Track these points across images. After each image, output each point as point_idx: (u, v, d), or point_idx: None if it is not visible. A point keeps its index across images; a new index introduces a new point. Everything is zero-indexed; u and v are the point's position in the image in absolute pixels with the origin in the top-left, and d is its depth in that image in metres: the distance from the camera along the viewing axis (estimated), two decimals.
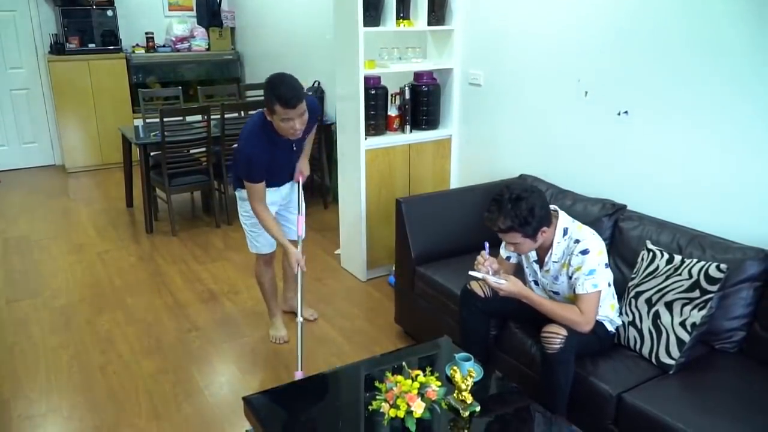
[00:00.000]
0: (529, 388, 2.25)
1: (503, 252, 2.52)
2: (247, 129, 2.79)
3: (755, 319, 2.25)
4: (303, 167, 3.05)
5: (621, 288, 2.44)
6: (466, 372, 1.96)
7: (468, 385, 1.92)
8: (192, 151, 4.76)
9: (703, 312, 2.15)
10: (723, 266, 2.14)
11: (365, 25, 3.46)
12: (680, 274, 2.23)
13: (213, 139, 4.66)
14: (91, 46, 6.37)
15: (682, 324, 2.18)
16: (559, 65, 3.16)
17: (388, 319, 3.42)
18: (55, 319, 3.49)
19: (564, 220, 2.30)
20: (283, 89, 2.52)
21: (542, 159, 3.34)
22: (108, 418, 2.65)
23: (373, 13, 3.55)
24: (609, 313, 2.34)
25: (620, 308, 2.40)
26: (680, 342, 2.17)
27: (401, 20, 3.67)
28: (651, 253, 2.36)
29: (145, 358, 3.11)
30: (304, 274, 2.93)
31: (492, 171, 3.62)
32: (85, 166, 6.64)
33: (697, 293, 2.17)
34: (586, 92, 3.03)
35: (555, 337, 2.14)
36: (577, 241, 2.23)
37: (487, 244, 2.33)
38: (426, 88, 3.84)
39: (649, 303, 2.30)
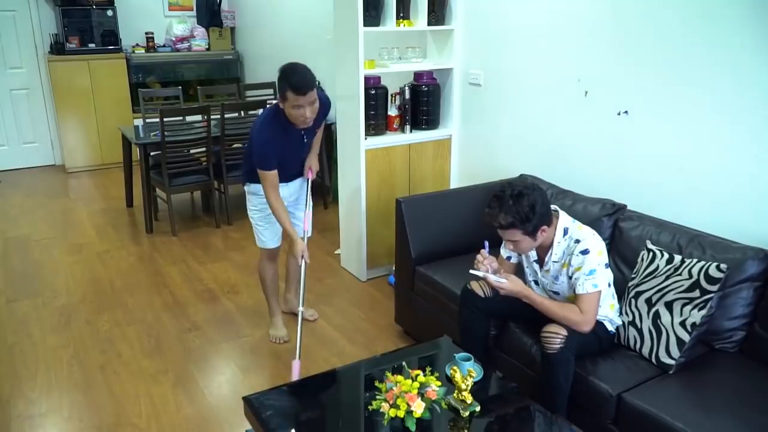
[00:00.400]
0: (529, 388, 2.26)
1: (503, 252, 2.52)
2: (260, 119, 2.90)
3: (755, 319, 2.25)
4: (312, 163, 3.11)
5: (621, 288, 2.44)
6: (466, 372, 1.96)
7: (468, 385, 1.92)
8: (192, 151, 4.76)
9: (703, 312, 2.15)
10: (723, 266, 2.14)
11: (365, 25, 3.46)
12: (680, 274, 2.23)
13: (213, 139, 4.66)
14: (91, 46, 6.37)
15: (682, 324, 2.18)
16: (559, 65, 3.16)
17: (388, 319, 3.42)
18: (55, 319, 3.49)
19: (564, 220, 2.30)
20: (294, 77, 2.61)
21: (542, 159, 3.34)
22: (108, 418, 2.65)
23: (373, 13, 3.56)
24: (609, 313, 2.34)
25: (620, 308, 2.40)
26: (680, 342, 2.17)
27: (401, 20, 3.67)
28: (651, 253, 2.36)
29: (145, 358, 3.11)
30: (307, 267, 2.97)
31: (492, 171, 3.62)
32: (85, 166, 6.64)
33: (697, 293, 2.17)
34: (586, 92, 3.03)
35: (555, 337, 2.14)
36: (577, 241, 2.23)
37: (487, 243, 2.33)
38: (426, 88, 3.84)
39: (649, 303, 2.30)
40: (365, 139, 3.67)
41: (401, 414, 1.81)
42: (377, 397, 1.89)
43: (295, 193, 3.12)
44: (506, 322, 2.54)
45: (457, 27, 3.78)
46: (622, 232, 2.64)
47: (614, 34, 2.84)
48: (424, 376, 1.93)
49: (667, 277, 2.26)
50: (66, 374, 2.97)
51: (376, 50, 3.82)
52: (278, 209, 2.86)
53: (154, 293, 3.81)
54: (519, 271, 2.51)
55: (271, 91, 5.85)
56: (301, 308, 2.88)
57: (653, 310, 2.28)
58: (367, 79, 3.61)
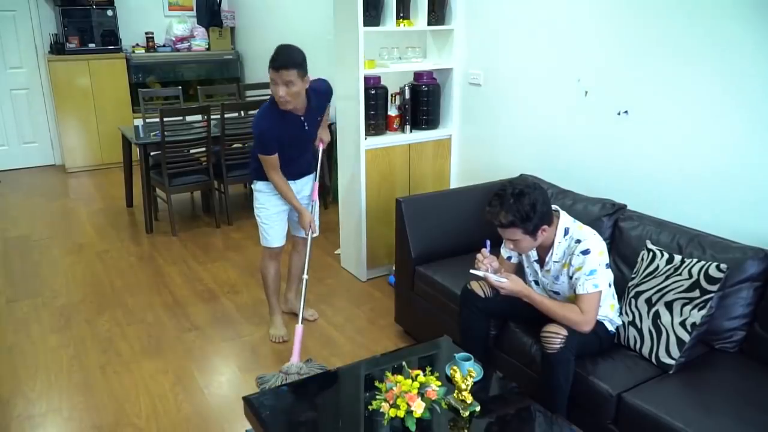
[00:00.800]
0: (529, 388, 2.26)
1: (504, 252, 2.52)
2: (262, 107, 2.95)
3: (755, 319, 2.25)
4: (323, 135, 3.19)
5: (621, 288, 2.44)
6: (466, 372, 1.96)
7: (468, 385, 1.92)
8: (192, 151, 4.76)
9: (703, 312, 2.15)
10: (723, 266, 2.14)
11: (365, 25, 3.47)
12: (680, 274, 2.23)
13: (213, 139, 4.66)
14: (91, 45, 6.37)
15: (682, 324, 2.18)
16: (559, 65, 3.16)
17: (388, 319, 3.42)
18: (55, 319, 3.49)
19: (565, 220, 2.30)
20: (275, 53, 2.70)
21: (542, 158, 3.34)
22: (108, 418, 2.65)
23: (373, 13, 3.56)
24: (609, 313, 2.34)
25: (620, 308, 2.40)
26: (680, 342, 2.17)
27: (401, 20, 3.67)
28: (651, 253, 2.36)
29: (145, 358, 3.11)
30: (294, 256, 3.21)
31: (492, 171, 3.62)
32: (85, 166, 6.64)
33: (697, 293, 2.17)
34: (586, 92, 3.03)
35: (555, 337, 2.14)
36: (578, 241, 2.23)
37: (488, 242, 2.33)
38: (426, 88, 3.84)
39: (649, 303, 2.30)
40: (365, 139, 3.67)
41: (401, 414, 1.81)
42: (377, 397, 1.89)
43: (300, 192, 3.12)
44: (506, 322, 2.54)
45: (457, 27, 3.78)
46: (622, 232, 2.64)
47: (614, 34, 2.85)
48: (424, 376, 1.93)
49: (667, 277, 2.26)
50: (66, 374, 2.97)
51: (376, 50, 3.82)
52: (281, 186, 2.94)
53: (154, 293, 3.81)
54: (519, 271, 2.51)
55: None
56: (305, 276, 3.06)
57: (653, 310, 2.28)
58: (367, 79, 3.61)
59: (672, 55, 2.61)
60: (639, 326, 2.31)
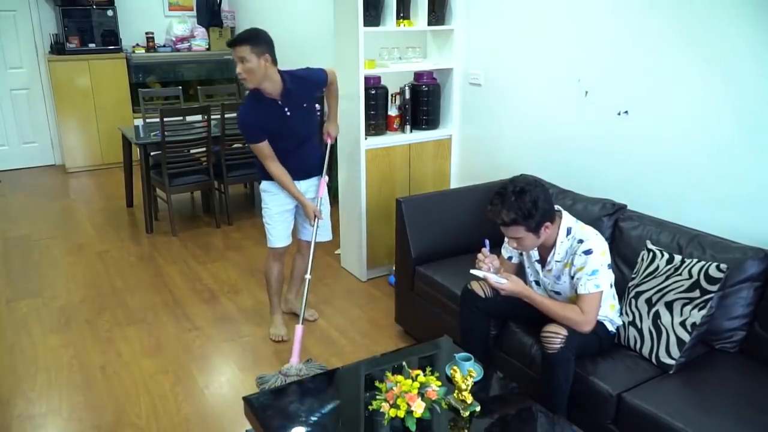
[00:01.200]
0: (529, 388, 2.26)
1: (504, 252, 2.52)
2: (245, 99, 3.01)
3: (755, 319, 2.25)
4: (331, 129, 3.22)
5: (621, 288, 2.44)
6: (466, 372, 1.96)
7: (468, 385, 1.92)
8: (192, 151, 4.76)
9: (703, 312, 2.15)
10: (723, 266, 2.14)
11: (365, 25, 3.47)
12: (680, 274, 2.23)
13: (213, 139, 4.66)
14: (92, 46, 6.37)
15: (682, 324, 2.18)
16: (559, 65, 3.16)
17: (388, 319, 3.42)
18: (55, 319, 3.49)
19: (567, 219, 2.30)
20: (239, 32, 2.80)
21: (542, 159, 3.34)
22: (108, 418, 2.65)
23: (373, 13, 3.56)
24: (609, 313, 2.34)
25: (620, 308, 2.40)
26: (680, 342, 2.17)
27: (401, 20, 3.67)
28: (651, 253, 2.36)
29: (145, 358, 3.11)
30: (298, 257, 3.20)
31: (492, 171, 3.62)
32: (85, 166, 6.64)
33: (697, 293, 2.17)
34: (586, 92, 3.03)
35: (555, 337, 2.14)
36: (580, 241, 2.23)
37: (487, 242, 2.33)
38: (426, 88, 3.84)
39: (649, 303, 2.30)
40: (365, 139, 3.67)
41: (401, 414, 1.81)
42: (377, 397, 1.89)
43: (307, 194, 3.10)
44: (506, 322, 2.54)
45: (457, 27, 3.78)
46: (622, 232, 2.64)
47: (614, 34, 2.85)
48: (425, 376, 1.93)
49: (667, 277, 2.26)
50: (66, 374, 2.97)
51: (376, 50, 3.82)
52: (279, 174, 2.96)
53: (154, 293, 3.81)
54: (520, 271, 2.51)
55: None
56: (308, 276, 3.06)
57: (653, 310, 2.28)
58: (367, 79, 3.61)
59: (672, 55, 2.61)
60: (639, 326, 2.31)
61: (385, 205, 3.80)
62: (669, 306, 2.24)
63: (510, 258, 2.51)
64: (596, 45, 2.94)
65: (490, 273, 2.27)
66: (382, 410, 1.84)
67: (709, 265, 2.17)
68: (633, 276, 2.42)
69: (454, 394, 1.96)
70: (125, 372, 2.98)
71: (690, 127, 2.59)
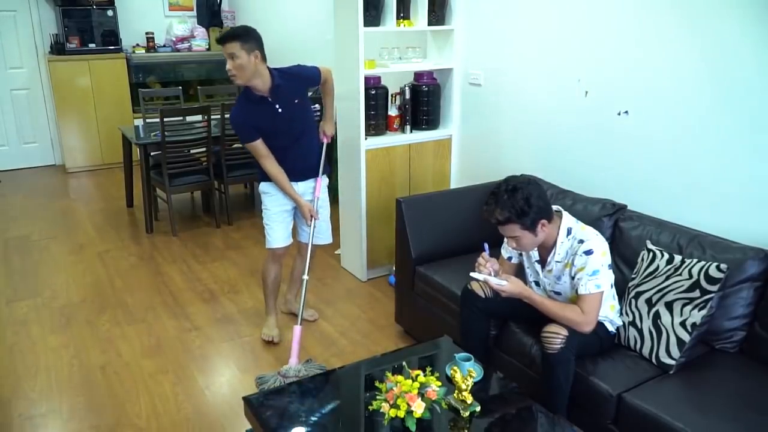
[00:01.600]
0: (530, 388, 2.26)
1: (504, 253, 2.52)
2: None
3: (755, 319, 2.25)
4: (326, 128, 3.19)
5: (621, 288, 2.44)
6: (466, 372, 1.96)
7: (468, 385, 1.92)
8: (192, 151, 4.76)
9: (703, 312, 2.15)
10: (723, 266, 2.14)
11: (365, 25, 3.46)
12: (680, 274, 2.23)
13: (213, 139, 4.66)
14: (92, 46, 6.37)
15: (683, 324, 2.18)
16: (559, 65, 3.16)
17: (388, 319, 3.42)
18: (55, 319, 3.49)
19: (567, 220, 2.30)
20: (226, 31, 2.79)
21: (542, 159, 3.34)
22: (108, 418, 2.65)
23: (373, 13, 3.56)
24: (609, 313, 2.34)
25: (620, 309, 2.40)
26: (680, 342, 2.17)
27: (401, 20, 3.67)
28: (651, 253, 2.36)
29: (145, 358, 3.11)
30: (298, 258, 3.19)
31: (492, 171, 3.62)
32: (85, 166, 6.64)
33: (697, 293, 2.17)
34: (586, 92, 3.03)
35: (555, 337, 2.14)
36: (581, 242, 2.23)
37: (486, 245, 2.32)
38: (426, 88, 3.84)
39: (650, 303, 2.30)
40: (365, 139, 3.67)
41: (401, 414, 1.81)
42: (377, 397, 1.89)
43: (304, 196, 3.09)
44: (506, 322, 2.54)
45: (457, 27, 3.78)
46: (622, 232, 2.64)
47: (614, 34, 2.84)
48: (425, 376, 1.93)
49: (668, 278, 2.26)
50: (66, 374, 2.97)
51: (376, 50, 3.82)
52: (276, 173, 2.96)
53: (154, 293, 3.81)
54: (520, 271, 2.51)
55: None
56: (305, 276, 3.06)
57: (653, 310, 2.28)
58: (367, 79, 3.61)
59: (672, 55, 2.61)
60: (639, 326, 2.31)
61: (385, 205, 3.80)
62: (669, 306, 2.24)
63: (510, 258, 2.50)
64: (596, 45, 2.94)
65: (489, 275, 2.27)
66: (382, 410, 1.84)
67: (709, 265, 2.17)
68: (633, 276, 2.42)
69: (454, 394, 1.96)
70: (125, 372, 2.99)
71: (690, 127, 2.58)
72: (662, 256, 2.32)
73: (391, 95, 3.83)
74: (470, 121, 3.88)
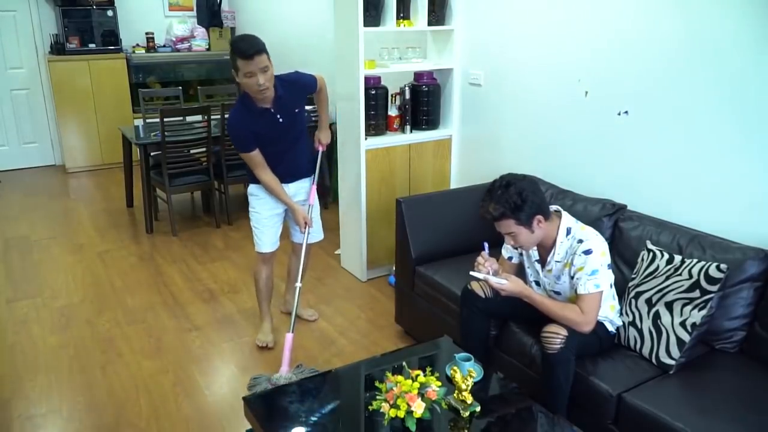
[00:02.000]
0: (530, 388, 2.26)
1: (505, 253, 2.52)
2: (232, 107, 2.94)
3: (755, 319, 2.25)
4: (321, 136, 3.17)
5: (621, 288, 2.44)
6: (466, 372, 1.96)
7: (468, 385, 1.92)
8: (192, 151, 4.76)
9: (703, 312, 2.15)
10: (723, 266, 2.14)
11: (365, 25, 3.46)
12: (680, 275, 2.23)
13: (213, 139, 4.67)
14: (92, 46, 6.38)
15: (683, 324, 2.18)
16: (559, 65, 3.16)
17: (388, 319, 3.42)
18: (55, 319, 3.49)
19: (567, 220, 2.30)
20: (242, 44, 2.61)
21: (542, 159, 3.34)
22: (108, 418, 2.65)
23: (373, 13, 3.56)
24: (609, 313, 2.34)
25: (620, 309, 2.40)
26: (680, 342, 2.17)
27: (401, 20, 3.67)
28: (651, 253, 2.36)
29: (145, 358, 3.11)
30: (309, 234, 3.08)
31: (492, 171, 3.59)
32: (85, 166, 6.64)
33: (697, 293, 2.17)
34: (586, 92, 3.03)
35: (555, 337, 2.14)
36: (580, 241, 2.23)
37: (486, 245, 2.32)
38: (426, 88, 3.84)
39: (649, 303, 2.30)
40: (365, 139, 3.67)
41: (401, 414, 1.81)
42: (377, 397, 1.89)
43: (297, 196, 3.08)
44: (506, 322, 2.54)
45: (457, 27, 3.78)
46: (622, 232, 2.64)
47: (614, 34, 2.84)
48: (425, 376, 1.93)
49: (667, 278, 2.26)
50: (66, 374, 2.97)
51: (376, 50, 3.82)
52: (269, 181, 2.91)
53: (154, 293, 3.81)
54: (520, 271, 2.51)
55: None
56: (298, 284, 3.00)
57: (653, 310, 2.28)
58: (367, 79, 3.61)
59: (672, 55, 2.61)
60: (639, 326, 2.31)
61: (385, 205, 3.80)
62: (669, 306, 2.24)
63: (510, 258, 2.51)
64: (596, 45, 2.94)
65: (489, 275, 2.27)
66: (382, 410, 1.84)
67: (709, 265, 2.17)
68: (633, 276, 2.42)
69: (454, 394, 1.96)
70: (125, 372, 2.99)
71: (690, 126, 2.58)
72: (662, 256, 2.32)
73: (391, 95, 3.83)
74: (470, 121, 3.88)
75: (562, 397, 2.19)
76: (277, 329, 3.33)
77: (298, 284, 3.02)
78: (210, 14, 7.08)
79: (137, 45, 6.81)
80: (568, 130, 3.18)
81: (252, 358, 3.10)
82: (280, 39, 6.13)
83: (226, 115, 4.68)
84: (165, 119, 4.45)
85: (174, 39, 6.91)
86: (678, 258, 2.27)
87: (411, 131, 3.90)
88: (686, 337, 2.16)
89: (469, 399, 1.93)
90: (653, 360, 2.24)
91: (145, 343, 3.24)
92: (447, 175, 4.09)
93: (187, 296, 3.76)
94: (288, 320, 3.39)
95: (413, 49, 3.92)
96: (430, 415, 1.85)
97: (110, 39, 6.45)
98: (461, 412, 1.93)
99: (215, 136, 4.68)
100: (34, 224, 5.02)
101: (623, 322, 2.37)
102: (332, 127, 5.14)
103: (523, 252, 2.45)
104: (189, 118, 4.84)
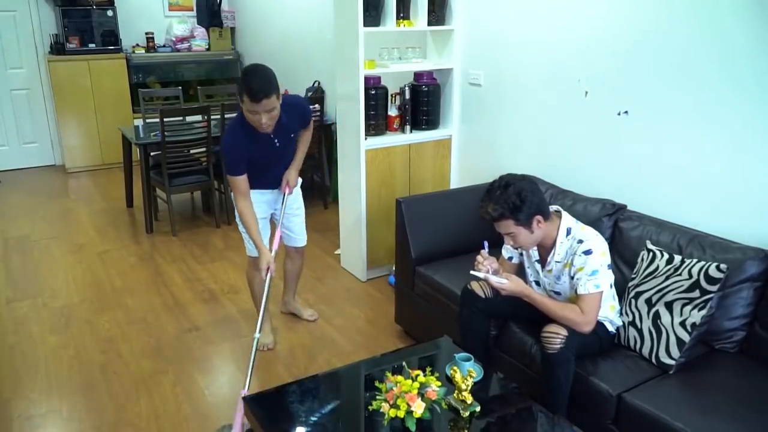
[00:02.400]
0: (529, 388, 2.26)
1: (505, 253, 2.52)
2: (230, 123, 2.86)
3: (755, 319, 2.25)
4: (290, 178, 2.99)
5: (621, 288, 2.44)
6: (466, 372, 1.96)
7: (468, 385, 1.92)
8: (192, 151, 4.76)
9: (703, 312, 2.15)
10: (723, 266, 2.14)
11: (365, 25, 3.46)
12: (680, 274, 2.23)
13: (213, 139, 4.66)
14: (92, 46, 6.38)
15: (682, 324, 2.18)
16: (559, 65, 3.16)
17: (388, 319, 3.42)
18: (55, 319, 3.49)
19: (567, 220, 2.30)
20: (253, 82, 2.52)
21: (542, 159, 3.34)
22: (108, 418, 2.65)
23: (373, 13, 3.56)
24: (609, 314, 2.34)
25: (620, 309, 2.40)
26: (680, 342, 2.17)
27: (401, 20, 3.67)
28: (651, 253, 2.36)
29: (145, 358, 3.10)
30: (271, 282, 2.81)
31: (492, 171, 3.59)
32: (85, 166, 6.64)
33: (697, 293, 2.17)
34: (586, 92, 3.03)
35: (555, 337, 2.14)
36: (580, 242, 2.23)
37: (486, 243, 2.32)
38: (426, 88, 3.84)
39: (649, 303, 2.30)
40: (365, 139, 3.67)
41: (401, 414, 1.81)
42: (377, 397, 1.89)
43: (277, 202, 3.04)
44: (507, 322, 2.54)
45: (457, 27, 3.78)
46: (622, 232, 2.64)
47: (614, 34, 2.84)
48: (424, 376, 1.93)
49: (667, 278, 2.26)
50: (66, 374, 2.97)
51: (376, 50, 3.82)
52: (247, 218, 2.79)
53: (154, 293, 3.81)
54: (520, 272, 2.51)
55: None
56: (257, 335, 2.61)
57: (653, 310, 2.28)
58: (367, 79, 3.61)
59: (672, 55, 2.61)
60: (639, 326, 2.31)
61: (385, 205, 3.80)
62: (669, 306, 2.24)
63: (510, 258, 2.51)
64: (596, 45, 2.94)
65: (489, 274, 2.27)
66: (382, 410, 1.84)
67: (709, 265, 2.17)
68: (633, 276, 2.42)
69: (454, 394, 1.96)
70: (125, 372, 2.98)
71: (690, 126, 2.58)
72: (662, 256, 2.32)
73: (391, 95, 3.83)
74: (470, 121, 3.88)
75: (562, 397, 2.19)
76: (277, 330, 3.33)
77: (257, 335, 2.61)
78: (210, 14, 7.09)
79: (137, 45, 6.81)
80: (568, 130, 3.18)
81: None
82: (280, 39, 6.14)
83: (227, 115, 4.70)
84: (165, 119, 4.45)
85: (174, 39, 6.92)
86: (678, 258, 2.27)
87: (411, 131, 3.90)
88: (686, 337, 2.16)
89: (469, 399, 1.93)
90: (653, 360, 2.24)
91: (145, 343, 3.24)
92: (447, 175, 4.09)
93: (187, 296, 3.76)
94: (288, 320, 3.39)
95: (413, 49, 3.92)
96: (430, 415, 1.85)
97: (110, 39, 6.45)
98: (461, 412, 1.93)
99: (215, 136, 4.67)
100: (34, 224, 5.02)
101: (623, 322, 2.37)
102: (332, 127, 5.18)
103: (523, 252, 2.45)
104: (189, 118, 4.84)
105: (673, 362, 2.18)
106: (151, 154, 4.78)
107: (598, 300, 2.19)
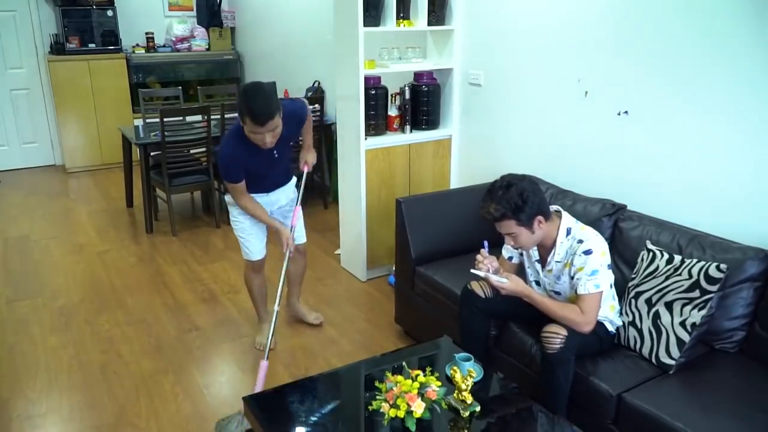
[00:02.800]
0: (529, 388, 2.26)
1: (505, 253, 2.52)
2: (228, 132, 2.84)
3: (755, 319, 2.25)
4: (307, 157, 3.07)
5: (621, 288, 2.44)
6: (466, 372, 1.96)
7: (468, 385, 1.92)
8: (192, 151, 4.76)
9: (703, 312, 2.15)
10: (723, 266, 2.14)
11: (365, 25, 3.46)
12: (680, 274, 2.23)
13: (213, 139, 4.66)
14: (91, 46, 6.38)
15: (682, 324, 2.18)
16: (559, 65, 3.16)
17: (388, 319, 3.42)
18: (55, 319, 3.49)
19: (567, 220, 2.30)
20: (255, 105, 2.48)
21: (542, 159, 3.34)
22: (108, 418, 2.65)
23: (373, 13, 3.56)
24: (609, 314, 2.34)
25: (620, 309, 2.39)
26: (680, 342, 2.17)
27: (401, 20, 3.67)
28: (651, 253, 2.36)
29: (145, 358, 3.10)
30: (290, 258, 2.96)
31: (492, 171, 3.59)
32: (85, 166, 6.64)
33: (697, 293, 2.17)
34: (586, 92, 3.03)
35: (555, 337, 2.14)
36: (580, 241, 2.23)
37: (486, 243, 2.33)
38: (426, 88, 3.84)
39: (649, 303, 2.30)
40: (365, 139, 3.67)
41: (401, 414, 1.81)
42: (377, 397, 1.89)
43: (279, 202, 3.04)
44: (506, 322, 2.54)
45: (457, 27, 3.78)
46: (622, 232, 2.64)
47: (614, 34, 2.84)
48: (424, 376, 1.93)
49: (667, 278, 2.26)
50: (66, 374, 2.97)
51: (376, 50, 3.82)
52: (252, 208, 2.86)
53: (154, 293, 3.81)
54: (520, 271, 2.51)
55: None
56: (276, 307, 2.82)
57: (653, 310, 2.28)
58: (367, 79, 3.61)
59: (672, 55, 2.61)
60: (639, 326, 2.31)
61: (385, 205, 3.80)
62: (669, 306, 2.24)
63: (510, 258, 2.51)
64: (596, 45, 2.94)
65: (490, 273, 2.27)
66: (382, 410, 1.84)
67: (709, 265, 2.17)
68: (633, 276, 2.42)
69: (454, 394, 1.96)
70: (125, 372, 2.98)
71: (690, 126, 2.58)
72: (662, 256, 2.32)
73: (391, 95, 3.83)
74: (470, 121, 3.88)
75: (562, 397, 2.19)
76: (276, 330, 3.32)
77: (276, 307, 2.80)
78: (210, 14, 7.09)
79: (137, 45, 6.81)
80: (568, 130, 3.18)
81: (252, 358, 3.10)
82: (280, 39, 6.14)
83: (227, 115, 4.70)
84: (165, 119, 4.45)
85: (174, 39, 6.92)
86: (678, 258, 2.27)
87: (411, 131, 3.90)
88: (686, 337, 2.16)
89: (469, 399, 1.93)
90: (653, 360, 2.24)
91: (145, 343, 3.24)
92: (447, 175, 4.09)
93: (187, 296, 3.76)
94: (294, 322, 3.39)
95: (413, 49, 3.92)
96: (430, 415, 1.85)
97: (110, 39, 6.45)
98: (461, 412, 1.93)
99: (215, 136, 4.67)
100: (34, 224, 5.02)
101: (623, 322, 2.37)
102: (332, 127, 5.17)
103: (523, 252, 2.45)
104: (189, 118, 4.84)
105: (673, 362, 2.18)
106: (151, 154, 4.78)
107: (598, 300, 2.19)
